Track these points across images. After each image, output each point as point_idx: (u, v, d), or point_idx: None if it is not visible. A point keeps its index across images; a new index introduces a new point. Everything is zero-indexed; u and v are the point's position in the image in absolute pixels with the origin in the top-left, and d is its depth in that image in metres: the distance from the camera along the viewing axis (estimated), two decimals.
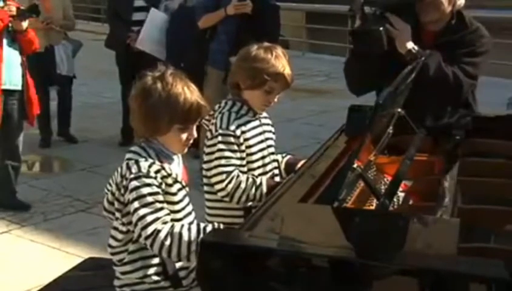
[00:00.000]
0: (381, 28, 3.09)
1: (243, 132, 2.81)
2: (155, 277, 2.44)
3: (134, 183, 2.31)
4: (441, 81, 3.13)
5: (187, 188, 2.47)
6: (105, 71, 9.43)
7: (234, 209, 2.83)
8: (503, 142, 3.05)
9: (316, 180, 2.49)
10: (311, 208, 2.22)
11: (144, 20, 6.50)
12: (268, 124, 2.98)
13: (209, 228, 2.29)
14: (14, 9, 4.84)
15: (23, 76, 5.07)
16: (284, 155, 3.09)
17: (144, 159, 2.37)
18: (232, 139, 2.78)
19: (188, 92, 2.38)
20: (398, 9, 3.21)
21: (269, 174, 2.90)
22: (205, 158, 2.84)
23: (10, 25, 4.88)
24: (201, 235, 2.24)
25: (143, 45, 6.46)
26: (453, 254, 1.88)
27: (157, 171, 2.35)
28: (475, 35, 3.28)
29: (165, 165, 2.38)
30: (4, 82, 4.91)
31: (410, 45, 3.18)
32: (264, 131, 2.92)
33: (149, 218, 2.28)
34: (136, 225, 2.30)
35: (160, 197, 2.33)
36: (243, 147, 2.81)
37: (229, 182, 2.75)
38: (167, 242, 2.25)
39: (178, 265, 2.45)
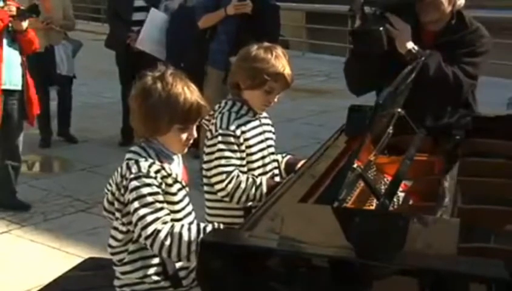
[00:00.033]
0: (381, 28, 3.09)
1: (243, 132, 2.81)
2: (155, 277, 2.44)
3: (134, 183, 2.32)
4: (441, 81, 3.13)
5: (187, 188, 2.47)
6: (105, 71, 9.43)
7: (234, 209, 2.83)
8: (503, 142, 3.05)
9: (316, 180, 2.49)
10: (311, 208, 2.22)
11: (144, 20, 6.50)
12: (268, 124, 2.98)
13: (209, 228, 2.29)
14: (14, 9, 4.84)
15: (23, 76, 5.07)
16: (284, 155, 3.09)
17: (144, 159, 2.37)
18: (232, 139, 2.78)
19: (188, 92, 2.38)
20: (398, 9, 3.21)
21: (269, 174, 2.90)
22: (205, 158, 2.84)
23: (10, 25, 4.88)
24: (201, 235, 2.24)
25: (143, 45, 6.46)
26: (453, 254, 1.88)
27: (157, 171, 2.35)
28: (475, 35, 3.28)
29: (165, 165, 2.38)
30: (4, 82, 4.91)
31: (410, 45, 3.18)
32: (264, 131, 2.92)
33: (149, 218, 2.28)
34: (136, 225, 2.30)
35: (160, 197, 2.33)
36: (243, 147, 2.81)
37: (229, 182, 2.75)
38: (167, 242, 2.25)
39: (178, 265, 2.45)
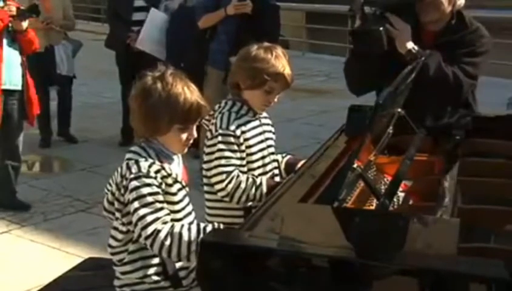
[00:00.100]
0: (381, 28, 3.09)
1: (243, 132, 2.81)
2: (155, 277, 2.44)
3: (135, 183, 2.31)
4: (441, 81, 3.13)
5: (187, 188, 2.47)
6: (105, 71, 9.43)
7: (234, 209, 2.83)
8: (503, 142, 3.05)
9: (316, 180, 2.49)
10: (311, 208, 2.22)
11: (144, 20, 6.50)
12: (268, 124, 2.98)
13: (209, 228, 2.29)
14: (14, 9, 4.84)
15: (23, 76, 5.07)
16: (284, 155, 3.09)
17: (144, 159, 2.37)
18: (232, 139, 2.78)
19: (188, 92, 2.38)
20: (398, 9, 3.21)
21: (269, 174, 2.90)
22: (205, 158, 2.84)
23: (10, 25, 4.88)
24: (201, 235, 2.24)
25: (143, 45, 6.46)
26: (453, 254, 1.88)
27: (157, 171, 2.34)
28: (475, 35, 3.28)
29: (165, 165, 2.38)
30: (4, 82, 4.91)
31: (410, 45, 3.18)
32: (264, 131, 2.92)
33: (149, 218, 2.28)
34: (136, 225, 2.30)
35: (160, 197, 2.33)
36: (243, 147, 2.81)
37: (229, 182, 2.75)
38: (167, 242, 2.25)
39: (178, 265, 2.45)
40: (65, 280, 2.97)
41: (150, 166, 2.34)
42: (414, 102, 2.87)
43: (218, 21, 5.50)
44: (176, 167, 2.47)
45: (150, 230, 2.27)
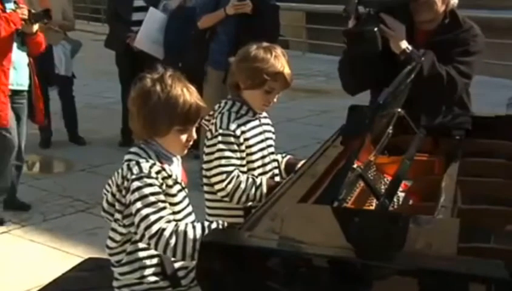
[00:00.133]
0: (375, 28, 3.09)
1: (243, 132, 2.81)
2: (154, 278, 2.44)
3: (136, 183, 2.31)
4: (435, 80, 3.14)
5: (186, 190, 2.46)
6: (105, 71, 9.43)
7: (234, 209, 2.83)
8: (503, 142, 3.05)
9: (316, 180, 2.49)
10: (311, 208, 2.22)
11: (143, 20, 6.50)
12: (268, 124, 2.97)
13: (214, 225, 2.28)
14: (26, 12, 4.87)
15: (31, 76, 5.11)
16: (284, 155, 3.09)
17: (144, 160, 2.37)
18: (232, 139, 2.78)
19: (188, 93, 2.38)
20: (393, 9, 3.21)
21: (269, 174, 2.90)
22: (205, 158, 2.84)
23: (20, 27, 4.92)
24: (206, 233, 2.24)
25: (141, 44, 6.46)
26: (453, 254, 1.88)
27: (158, 172, 2.34)
28: (468, 34, 3.29)
29: (166, 167, 2.38)
30: (12, 82, 4.94)
31: (404, 44, 3.19)
32: (264, 131, 2.92)
33: (152, 217, 2.27)
34: (138, 226, 2.29)
35: (162, 197, 2.33)
36: (243, 147, 2.81)
37: (229, 182, 2.75)
38: (172, 241, 2.24)
39: (177, 265, 2.45)
40: (64, 280, 2.97)
41: (151, 167, 2.34)
42: (410, 102, 2.88)
43: (218, 21, 5.50)
44: (176, 168, 2.47)
45: (154, 229, 2.26)
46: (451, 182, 2.56)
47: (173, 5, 6.43)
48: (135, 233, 2.35)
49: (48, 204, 5.50)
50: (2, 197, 5.17)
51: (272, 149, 2.95)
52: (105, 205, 2.46)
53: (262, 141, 2.89)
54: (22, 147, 5.22)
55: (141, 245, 2.41)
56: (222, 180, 2.76)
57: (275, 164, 2.96)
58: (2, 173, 5.08)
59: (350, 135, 3.00)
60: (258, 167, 2.86)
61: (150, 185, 2.31)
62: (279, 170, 3.00)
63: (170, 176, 2.37)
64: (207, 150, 2.83)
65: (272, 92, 2.84)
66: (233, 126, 2.79)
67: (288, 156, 3.09)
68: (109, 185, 2.45)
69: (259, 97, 2.84)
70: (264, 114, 2.97)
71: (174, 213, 2.37)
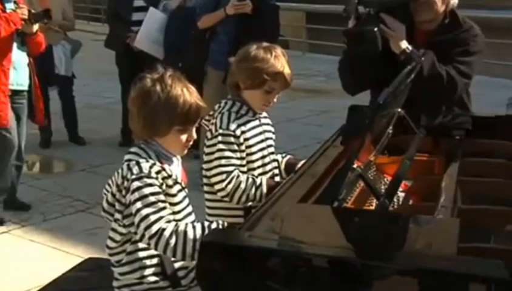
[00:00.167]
0: (375, 28, 3.09)
1: (243, 132, 2.81)
2: (154, 278, 2.44)
3: (136, 183, 2.31)
4: (435, 80, 3.14)
5: (186, 190, 2.46)
6: (105, 71, 9.43)
7: (234, 209, 2.83)
8: (503, 142, 3.05)
9: (316, 180, 2.49)
10: (311, 208, 2.22)
11: (143, 20, 6.50)
12: (268, 124, 2.97)
13: (214, 225, 2.28)
14: (26, 12, 4.88)
15: (31, 76, 5.11)
16: (284, 155, 3.09)
17: (144, 160, 2.37)
18: (232, 139, 2.78)
19: (188, 93, 2.38)
20: (393, 9, 3.21)
21: (269, 174, 2.90)
22: (205, 158, 2.84)
23: (20, 27, 4.92)
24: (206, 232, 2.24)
25: (141, 44, 6.46)
26: (453, 254, 1.88)
27: (158, 172, 2.34)
28: (468, 34, 3.29)
29: (166, 167, 2.38)
30: (12, 82, 4.94)
31: (404, 44, 3.19)
32: (264, 131, 2.92)
33: (152, 217, 2.27)
34: (138, 226, 2.29)
35: (162, 197, 2.33)
36: (243, 147, 2.81)
37: (229, 182, 2.75)
38: (172, 241, 2.24)
39: (177, 265, 2.45)
40: (64, 280, 2.97)
41: (151, 167, 2.34)
42: (409, 102, 2.88)
43: (218, 21, 5.50)
44: (176, 168, 2.47)
45: (154, 229, 2.26)
46: (451, 182, 2.56)
47: (173, 5, 6.43)
48: (135, 233, 2.35)
49: (48, 204, 5.50)
50: (2, 197, 5.17)
51: (272, 149, 2.95)
52: (105, 205, 2.46)
53: (262, 141, 2.89)
54: (22, 147, 5.22)
55: (141, 245, 2.41)
56: (222, 180, 2.76)
57: (275, 164, 2.96)
58: (2, 173, 5.08)
59: (350, 135, 3.00)
60: (258, 167, 2.86)
61: (150, 185, 2.31)
62: (279, 170, 3.00)
63: (170, 176, 2.37)
64: (207, 150, 2.83)
65: (272, 92, 2.84)
66: (233, 126, 2.79)
67: (288, 156, 3.09)
68: (109, 185, 2.45)
69: (259, 97, 2.84)
70: (264, 114, 2.97)
71: (174, 213, 2.37)
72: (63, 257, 4.47)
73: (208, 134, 2.85)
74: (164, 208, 2.31)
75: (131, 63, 6.48)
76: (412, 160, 2.71)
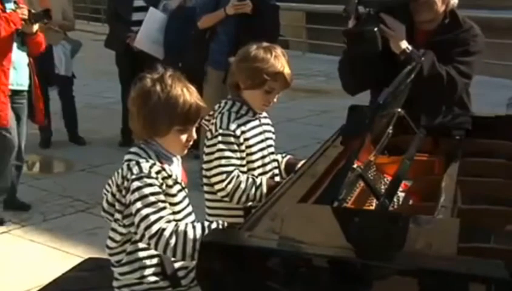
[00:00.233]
0: (375, 29, 3.09)
1: (243, 132, 2.81)
2: (154, 278, 2.44)
3: (136, 183, 2.31)
4: (435, 80, 3.14)
5: (186, 190, 2.46)
6: (105, 71, 9.43)
7: (234, 209, 2.83)
8: (503, 142, 3.05)
9: (316, 180, 2.49)
10: (311, 208, 2.22)
11: (143, 20, 6.51)
12: (268, 124, 2.98)
13: (214, 225, 2.28)
14: (26, 12, 4.88)
15: (31, 76, 5.11)
16: (284, 155, 3.09)
17: (144, 160, 2.37)
18: (232, 139, 2.78)
19: (188, 93, 2.38)
20: (393, 9, 3.21)
21: (269, 174, 2.90)
22: (205, 158, 2.84)
23: (20, 27, 4.92)
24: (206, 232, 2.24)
25: (141, 44, 6.46)
26: (453, 254, 1.88)
27: (158, 172, 2.34)
28: (468, 34, 3.29)
29: (166, 167, 2.38)
30: (12, 82, 4.94)
31: (404, 45, 3.19)
32: (264, 131, 2.92)
33: (152, 217, 2.27)
34: (138, 226, 2.29)
35: (162, 197, 2.33)
36: (243, 147, 2.81)
37: (229, 182, 2.75)
38: (172, 241, 2.24)
39: (177, 265, 2.45)
40: (64, 280, 2.97)
41: (151, 167, 2.34)
42: (409, 102, 2.88)
43: (218, 21, 5.50)
44: (176, 168, 2.47)
45: (154, 229, 2.26)
46: (451, 182, 2.56)
47: (173, 5, 6.43)
48: (135, 233, 2.35)
49: (48, 204, 5.50)
50: (2, 197, 5.17)
51: (272, 149, 2.95)
52: (105, 205, 2.46)
53: (262, 141, 2.89)
54: (22, 147, 5.22)
55: (141, 245, 2.41)
56: (222, 180, 2.76)
57: (275, 164, 2.96)
58: (2, 173, 5.08)
59: (350, 135, 3.00)
60: (258, 167, 2.86)
61: (150, 185, 2.31)
62: (279, 170, 3.00)
63: (170, 176, 2.37)
64: (207, 150, 2.83)
65: (272, 92, 2.84)
66: (233, 126, 2.79)
67: (288, 156, 3.09)
68: (109, 185, 2.45)
69: (259, 97, 2.84)
70: (264, 114, 2.97)
71: (174, 213, 2.37)
72: (63, 257, 4.47)
73: (208, 134, 2.85)
74: (164, 208, 2.31)
75: (131, 63, 6.48)
76: (412, 160, 2.71)
